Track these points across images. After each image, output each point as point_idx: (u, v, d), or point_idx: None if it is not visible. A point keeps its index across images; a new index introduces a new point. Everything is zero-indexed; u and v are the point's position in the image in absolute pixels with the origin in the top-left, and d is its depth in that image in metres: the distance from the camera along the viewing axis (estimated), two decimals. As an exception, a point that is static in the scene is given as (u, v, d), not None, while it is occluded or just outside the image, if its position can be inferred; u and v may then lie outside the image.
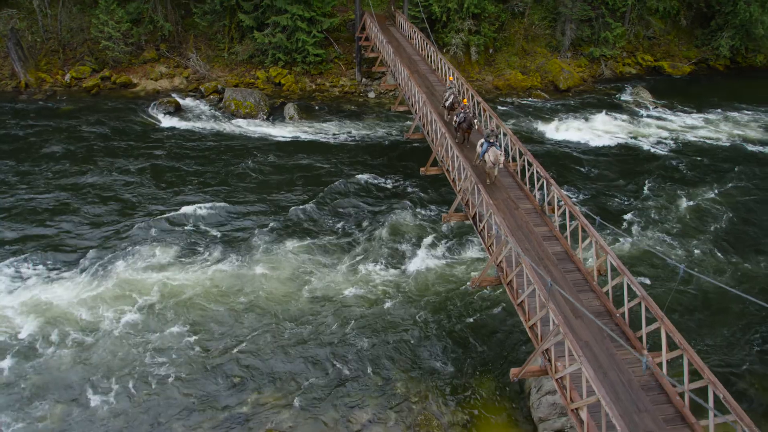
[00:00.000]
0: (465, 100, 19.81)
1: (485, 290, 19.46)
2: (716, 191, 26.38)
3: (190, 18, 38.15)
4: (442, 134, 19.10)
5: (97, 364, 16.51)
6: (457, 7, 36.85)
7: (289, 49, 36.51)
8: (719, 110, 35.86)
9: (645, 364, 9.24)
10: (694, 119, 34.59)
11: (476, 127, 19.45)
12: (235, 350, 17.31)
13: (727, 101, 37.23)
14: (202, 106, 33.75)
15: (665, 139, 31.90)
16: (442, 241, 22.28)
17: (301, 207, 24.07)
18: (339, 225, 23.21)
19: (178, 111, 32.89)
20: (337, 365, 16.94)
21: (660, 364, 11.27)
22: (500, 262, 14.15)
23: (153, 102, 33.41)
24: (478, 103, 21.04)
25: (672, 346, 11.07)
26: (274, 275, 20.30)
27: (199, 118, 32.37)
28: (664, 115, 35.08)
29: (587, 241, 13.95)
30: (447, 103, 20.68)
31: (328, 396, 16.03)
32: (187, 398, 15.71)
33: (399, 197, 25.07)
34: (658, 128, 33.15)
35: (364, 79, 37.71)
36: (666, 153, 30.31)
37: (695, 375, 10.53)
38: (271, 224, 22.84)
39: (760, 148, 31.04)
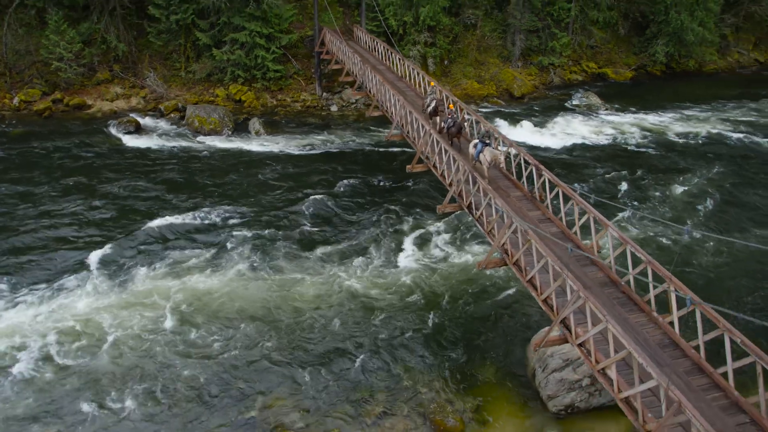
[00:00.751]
0: (451, 104, 20.26)
1: (482, 281, 19.91)
2: (684, 177, 28.43)
3: (143, 38, 37.46)
4: (426, 131, 19.54)
5: (107, 372, 15.84)
6: (413, 20, 37.84)
7: (248, 66, 36.39)
8: (660, 110, 38.27)
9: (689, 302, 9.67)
10: (640, 118, 36.78)
11: (465, 130, 19.93)
12: (234, 356, 16.92)
13: (666, 102, 39.77)
14: (164, 125, 33.05)
15: (617, 135, 33.78)
16: (432, 236, 22.72)
17: (283, 215, 23.95)
18: (327, 229, 23.24)
19: (138, 130, 32.07)
20: (342, 363, 16.83)
21: (671, 323, 11.86)
22: (503, 244, 14.55)
23: (111, 122, 32.46)
24: (454, 102, 21.64)
25: (682, 303, 11.68)
26: (265, 282, 20.03)
27: (163, 136, 31.67)
28: (614, 116, 37.04)
29: (584, 218, 14.55)
30: (429, 109, 20.93)
31: (337, 393, 15.89)
32: (196, 403, 15.24)
33: (383, 198, 25.39)
34: (611, 127, 34.99)
35: (324, 94, 37.98)
36: (620, 148, 32.18)
37: (709, 327, 11.17)
38: (257, 233, 22.59)
39: (699, 141, 33.40)
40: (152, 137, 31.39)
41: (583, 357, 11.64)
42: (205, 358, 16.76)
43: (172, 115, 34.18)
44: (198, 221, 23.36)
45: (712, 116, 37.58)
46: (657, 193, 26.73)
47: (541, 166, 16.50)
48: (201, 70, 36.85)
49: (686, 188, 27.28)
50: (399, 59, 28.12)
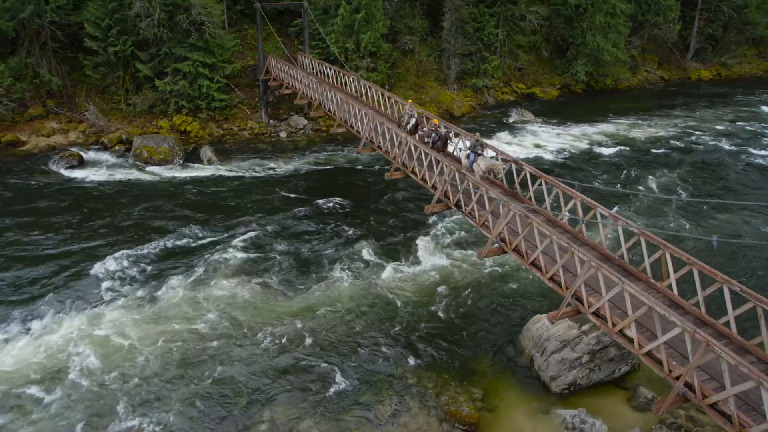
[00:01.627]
0: (436, 119, 20.79)
1: (465, 282, 20.57)
2: (625, 175, 30.69)
3: (79, 71, 36.16)
4: (401, 140, 20.21)
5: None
6: (354, 47, 38.89)
7: (192, 96, 35.92)
8: (586, 123, 41.23)
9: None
10: (570, 130, 39.58)
11: (451, 143, 20.24)
12: (231, 370, 16.46)
13: (590, 115, 42.96)
14: (109, 158, 31.86)
15: (553, 145, 36.26)
16: (405, 242, 23.27)
17: (254, 236, 23.69)
18: (304, 245, 23.18)
19: (82, 164, 30.73)
20: (342, 370, 16.75)
21: (669, 286, 12.88)
22: (500, 233, 15.25)
23: (51, 158, 30.90)
24: (428, 119, 22.25)
25: (678, 266, 12.75)
26: (260, 297, 19.68)
27: (110, 168, 30.51)
28: (547, 129, 39.55)
29: (571, 203, 15.55)
30: (410, 126, 21.31)
31: (343, 398, 15.79)
32: (204, 415, 14.67)
33: (356, 211, 25.66)
34: (547, 138, 37.52)
35: (272, 121, 38.05)
36: (560, 154, 34.42)
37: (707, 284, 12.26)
38: (237, 252, 22.22)
39: (622, 147, 36.33)
40: (99, 170, 30.16)
41: (599, 323, 12.39)
42: (198, 379, 16.19)
43: (117, 147, 33.04)
44: (163, 249, 22.59)
45: (629, 125, 41.16)
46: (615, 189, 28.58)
47: (521, 162, 17.51)
48: (142, 102, 35.97)
49: (629, 182, 29.57)
50: (355, 79, 28.85)
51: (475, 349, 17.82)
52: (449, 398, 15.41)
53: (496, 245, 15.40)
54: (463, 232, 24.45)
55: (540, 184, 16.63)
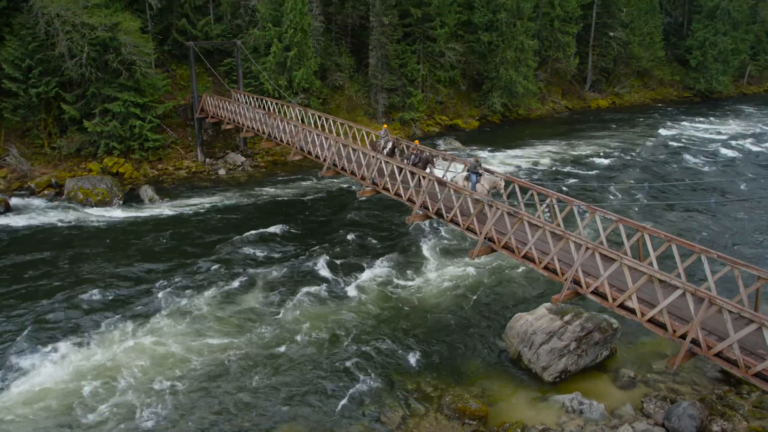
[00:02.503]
0: (417, 141, 21.48)
1: (444, 292, 21.27)
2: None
3: (-6, 116, 33.98)
4: (370, 158, 20.92)
5: None
6: (287, 83, 39.52)
7: (123, 137, 34.74)
8: (506, 148, 44.04)
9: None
10: (493, 154, 42.04)
11: (435, 164, 20.52)
12: (225, 393, 15.94)
13: (509, 141, 46.00)
14: (41, 202, 29.90)
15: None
16: (371, 257, 23.88)
17: (216, 268, 23.17)
18: (270, 269, 23.04)
19: (9, 210, 28.62)
20: (342, 384, 16.72)
21: (651, 264, 14.28)
22: (488, 233, 16.17)
23: (-29, 206, 28.57)
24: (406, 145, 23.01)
25: (657, 245, 14.21)
26: (231, 323, 19.19)
27: (43, 213, 28.60)
28: (477, 154, 41.85)
29: (546, 202, 16.84)
30: (386, 150, 21.55)
31: (349, 411, 15.75)
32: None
33: (316, 235, 25.76)
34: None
35: (208, 160, 37.47)
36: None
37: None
38: (197, 286, 21.57)
39: (538, 165, 39.41)
40: (31, 215, 28.21)
41: (598, 300, 13.48)
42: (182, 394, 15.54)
43: (47, 192, 31.16)
44: (113, 293, 21.39)
45: (546, 147, 44.63)
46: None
47: (492, 169, 18.73)
48: (69, 144, 34.27)
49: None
50: (302, 110, 29.40)
51: (462, 352, 18.40)
52: (454, 397, 15.81)
53: (485, 245, 16.27)
54: (429, 245, 25.30)
55: (514, 188, 17.87)
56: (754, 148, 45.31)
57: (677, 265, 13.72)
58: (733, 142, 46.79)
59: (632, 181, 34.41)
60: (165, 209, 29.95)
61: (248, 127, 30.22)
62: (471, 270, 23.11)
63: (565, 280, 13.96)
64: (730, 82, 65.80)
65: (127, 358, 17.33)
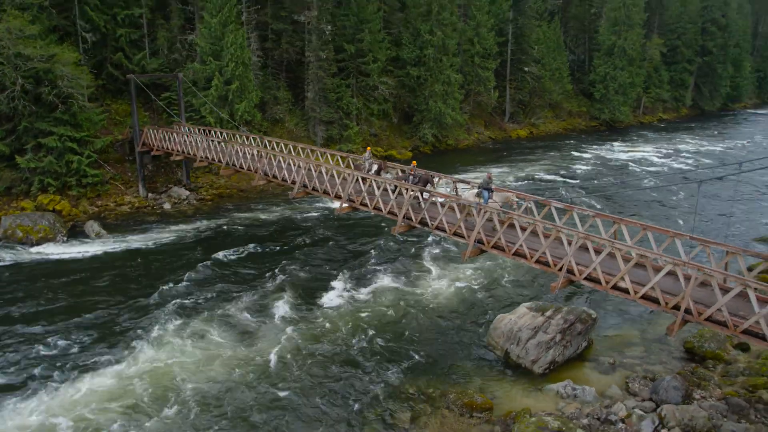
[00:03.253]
0: (414, 162, 21.97)
1: (428, 300, 21.89)
2: None
3: None
4: (346, 176, 21.54)
5: None
6: (228, 116, 39.44)
7: (59, 173, 33.12)
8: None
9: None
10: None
11: (434, 183, 20.66)
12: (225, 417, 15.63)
13: (440, 169, 47.74)
14: (-29, 243, 27.78)
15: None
16: (343, 274, 24.10)
17: (179, 301, 22.60)
18: (239, 295, 22.76)
19: (-65, 255, 26.40)
20: (342, 393, 16.87)
21: (629, 252, 15.83)
22: (477, 237, 17.17)
23: None
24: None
25: (633, 234, 15.81)
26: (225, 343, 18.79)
27: (-22, 253, 26.61)
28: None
29: (523, 206, 18.17)
30: (371, 172, 21.83)
31: (356, 418, 15.89)
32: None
33: (280, 257, 25.81)
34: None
35: (150, 194, 36.35)
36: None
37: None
38: (163, 317, 20.94)
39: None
40: (-36, 256, 26.15)
41: (592, 285, 14.74)
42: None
43: (-23, 232, 28.94)
44: (67, 333, 20.36)
45: (479, 173, 46.83)
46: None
47: (462, 179, 19.93)
48: (-2, 183, 32.19)
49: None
50: (256, 137, 29.59)
51: (451, 355, 19.09)
52: (458, 393, 16.40)
53: (475, 247, 17.24)
54: (395, 258, 25.99)
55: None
56: (659, 162, 50.29)
57: (653, 249, 15.28)
58: (642, 159, 51.67)
59: (575, 194, 37.24)
60: (114, 244, 28.76)
61: (203, 156, 29.88)
62: (447, 281, 24.12)
63: (560, 270, 15.13)
64: (629, 112, 72.60)
65: (81, 405, 16.29)
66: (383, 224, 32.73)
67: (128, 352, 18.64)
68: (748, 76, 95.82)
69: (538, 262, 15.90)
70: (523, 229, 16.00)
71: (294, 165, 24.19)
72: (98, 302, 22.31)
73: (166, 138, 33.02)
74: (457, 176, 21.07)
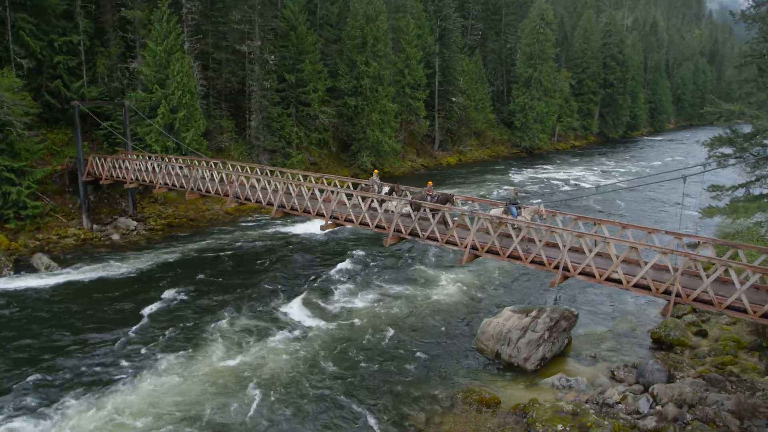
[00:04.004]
0: (430, 183, 22.19)
1: (409, 314, 22.60)
2: None
3: None
4: (328, 194, 22.12)
5: None
6: (175, 145, 38.74)
7: (-7, 206, 31.14)
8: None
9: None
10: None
11: (454, 201, 20.42)
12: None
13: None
14: None
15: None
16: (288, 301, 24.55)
17: (147, 333, 22.01)
18: (221, 314, 22.43)
19: None
20: (360, 401, 17.17)
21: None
22: (471, 243, 18.26)
23: None
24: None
25: (612, 232, 17.52)
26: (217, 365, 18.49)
27: None
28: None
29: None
30: (383, 193, 21.76)
31: (378, 423, 16.26)
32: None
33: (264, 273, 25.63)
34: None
35: (95, 226, 34.77)
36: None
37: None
38: (136, 345, 20.32)
39: None
40: None
41: (586, 279, 16.17)
42: None
43: None
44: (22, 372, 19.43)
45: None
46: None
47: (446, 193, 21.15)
48: (-75, 217, 29.73)
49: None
50: (219, 163, 29.45)
51: (444, 361, 19.90)
52: (465, 392, 17.19)
53: (469, 253, 18.31)
54: (360, 276, 26.57)
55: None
56: (593, 179, 54.47)
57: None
58: (580, 177, 55.76)
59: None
60: (68, 276, 27.37)
61: (162, 183, 29.23)
62: (429, 291, 25.12)
63: (556, 267, 16.48)
64: (547, 139, 77.92)
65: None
66: (342, 245, 33.34)
67: (96, 391, 17.76)
68: (643, 107, 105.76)
69: (533, 262, 17.19)
70: (516, 232, 17.29)
71: (270, 186, 24.38)
72: (59, 338, 21.16)
73: (118, 166, 31.97)
74: (475, 194, 21.74)
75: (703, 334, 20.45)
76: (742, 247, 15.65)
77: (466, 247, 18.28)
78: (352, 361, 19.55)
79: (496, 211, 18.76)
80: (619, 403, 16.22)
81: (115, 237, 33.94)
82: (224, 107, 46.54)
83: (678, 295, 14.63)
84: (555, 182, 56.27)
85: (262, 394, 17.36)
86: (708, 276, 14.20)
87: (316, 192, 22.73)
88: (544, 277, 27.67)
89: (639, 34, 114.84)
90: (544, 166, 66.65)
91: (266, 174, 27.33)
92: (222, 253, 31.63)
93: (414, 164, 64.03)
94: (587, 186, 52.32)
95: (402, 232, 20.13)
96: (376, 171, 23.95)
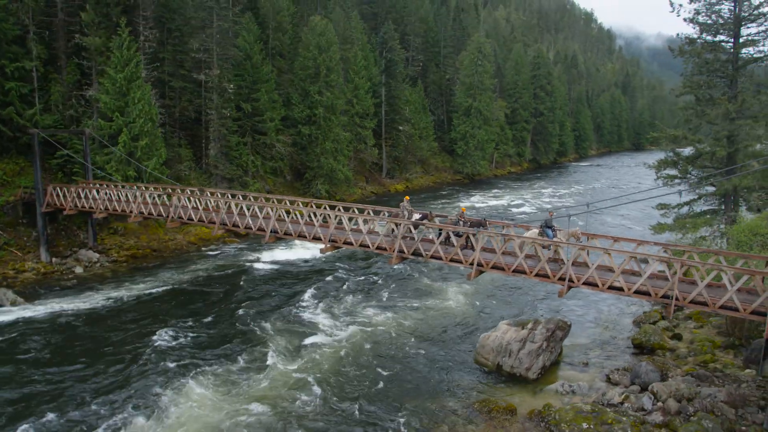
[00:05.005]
0: (464, 209, 22.27)
1: (407, 334, 23.23)
2: None
3: None
4: (329, 219, 22.64)
5: None
6: (136, 174, 37.83)
7: (-54, 241, 29.27)
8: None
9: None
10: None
11: (487, 225, 20.68)
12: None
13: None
14: None
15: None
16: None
17: (136, 366, 21.58)
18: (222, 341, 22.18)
19: None
20: (370, 423, 17.58)
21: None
22: (476, 260, 19.31)
23: None
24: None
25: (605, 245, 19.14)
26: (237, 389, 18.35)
27: None
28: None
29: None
30: (414, 219, 21.82)
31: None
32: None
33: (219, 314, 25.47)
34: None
35: (54, 259, 33.21)
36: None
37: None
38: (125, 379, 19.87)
39: None
40: None
41: (589, 289, 17.56)
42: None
43: None
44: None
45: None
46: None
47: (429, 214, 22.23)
48: None
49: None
50: (197, 191, 29.20)
51: (447, 376, 20.65)
52: (482, 402, 18.00)
53: (475, 270, 19.34)
54: (331, 299, 27.03)
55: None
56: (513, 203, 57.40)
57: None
58: (529, 200, 58.57)
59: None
60: (35, 312, 26.11)
61: (138, 212, 28.57)
62: (421, 313, 25.82)
63: (560, 279, 17.79)
64: (488, 166, 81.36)
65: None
66: (313, 271, 33.60)
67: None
68: (570, 135, 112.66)
69: (537, 275, 18.44)
70: (521, 247, 18.54)
71: (261, 212, 24.55)
72: (31, 373, 20.28)
73: (84, 195, 30.91)
74: (508, 220, 22.07)
75: (678, 337, 22.37)
76: (722, 253, 17.60)
77: (472, 264, 19.32)
78: (358, 381, 19.89)
79: (533, 233, 19.61)
80: (622, 403, 17.55)
81: (79, 270, 32.52)
82: (181, 136, 45.86)
83: (677, 298, 16.24)
84: (508, 205, 58.90)
85: (267, 422, 17.40)
86: (702, 281, 15.91)
87: (313, 216, 23.15)
88: (528, 289, 29.31)
89: (563, 67, 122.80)
90: (492, 191, 69.56)
91: (250, 200, 27.46)
92: (193, 283, 31.05)
93: (364, 191, 65.06)
94: (537, 208, 55.19)
95: (405, 253, 20.91)
96: (407, 198, 24.15)
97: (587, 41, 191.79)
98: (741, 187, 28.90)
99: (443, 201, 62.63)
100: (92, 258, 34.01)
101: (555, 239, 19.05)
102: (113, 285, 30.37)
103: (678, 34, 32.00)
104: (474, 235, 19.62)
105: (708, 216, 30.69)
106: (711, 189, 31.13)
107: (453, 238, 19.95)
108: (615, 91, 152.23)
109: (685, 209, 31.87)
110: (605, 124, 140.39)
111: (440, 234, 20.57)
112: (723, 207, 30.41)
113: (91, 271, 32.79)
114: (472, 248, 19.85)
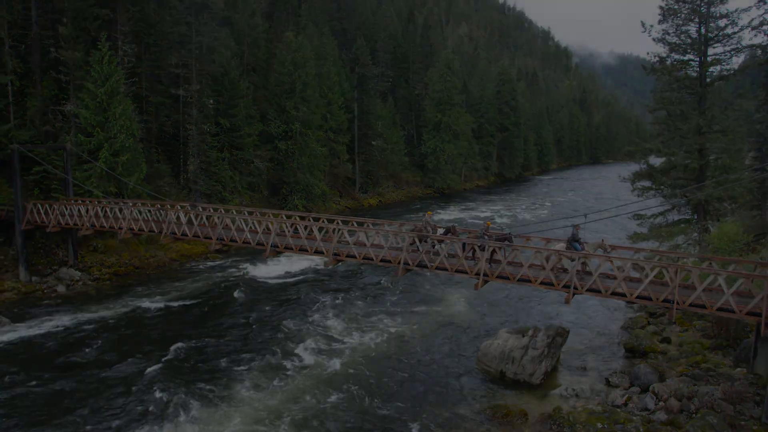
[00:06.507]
0: (489, 222, 22.47)
1: (414, 342, 23.60)
2: None
3: None
4: (330, 232, 22.94)
5: None
6: (116, 191, 37.21)
7: None
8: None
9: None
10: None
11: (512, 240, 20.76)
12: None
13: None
14: None
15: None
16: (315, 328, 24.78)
17: (137, 386, 21.30)
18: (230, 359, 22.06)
19: None
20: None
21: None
22: (481, 270, 19.94)
23: None
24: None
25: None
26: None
27: None
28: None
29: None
30: (439, 233, 22.20)
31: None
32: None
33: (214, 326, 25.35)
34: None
35: (34, 278, 32.30)
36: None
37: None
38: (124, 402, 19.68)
39: None
40: None
41: (593, 295, 18.39)
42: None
43: None
44: None
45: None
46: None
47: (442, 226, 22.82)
48: None
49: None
50: (188, 206, 29.03)
51: (452, 385, 21.08)
52: (493, 408, 18.54)
53: (481, 279, 19.96)
54: (359, 306, 27.27)
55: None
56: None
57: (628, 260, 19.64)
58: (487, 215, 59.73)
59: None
60: (20, 333, 25.49)
61: (128, 228, 28.18)
62: (419, 325, 26.28)
63: (565, 286, 18.58)
64: (458, 180, 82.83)
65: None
66: (304, 282, 33.71)
67: None
68: (533, 149, 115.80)
69: (542, 283, 19.20)
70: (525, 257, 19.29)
71: (260, 226, 24.66)
72: (28, 392, 19.85)
73: (68, 212, 30.27)
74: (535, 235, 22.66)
75: (667, 341, 23.47)
76: (714, 258, 18.75)
77: (477, 274, 19.96)
78: (365, 389, 20.13)
79: (559, 246, 20.23)
80: (626, 404, 18.37)
81: (61, 289, 31.70)
82: (159, 151, 45.33)
83: (677, 302, 17.22)
84: (481, 216, 60.13)
85: None
86: (699, 285, 16.94)
87: (315, 230, 23.41)
88: (522, 296, 30.14)
89: (525, 83, 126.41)
90: (465, 203, 70.81)
91: (244, 215, 27.48)
92: (180, 300, 30.66)
93: (338, 206, 65.30)
94: (516, 219, 56.58)
95: (411, 264, 21.38)
96: (429, 213, 24.38)
97: (545, 59, 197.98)
98: (712, 198, 30.58)
99: (415, 215, 63.39)
100: (74, 276, 33.21)
101: (583, 252, 19.49)
102: (99, 304, 29.73)
103: (648, 53, 33.76)
104: (500, 248, 20.13)
105: (682, 225, 32.28)
106: (682, 201, 32.73)
107: (479, 252, 20.35)
108: (573, 106, 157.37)
109: (660, 219, 33.41)
110: (565, 139, 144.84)
111: (464, 247, 20.87)
112: (696, 216, 32.03)
113: (74, 289, 32.01)
114: (498, 262, 20.24)
